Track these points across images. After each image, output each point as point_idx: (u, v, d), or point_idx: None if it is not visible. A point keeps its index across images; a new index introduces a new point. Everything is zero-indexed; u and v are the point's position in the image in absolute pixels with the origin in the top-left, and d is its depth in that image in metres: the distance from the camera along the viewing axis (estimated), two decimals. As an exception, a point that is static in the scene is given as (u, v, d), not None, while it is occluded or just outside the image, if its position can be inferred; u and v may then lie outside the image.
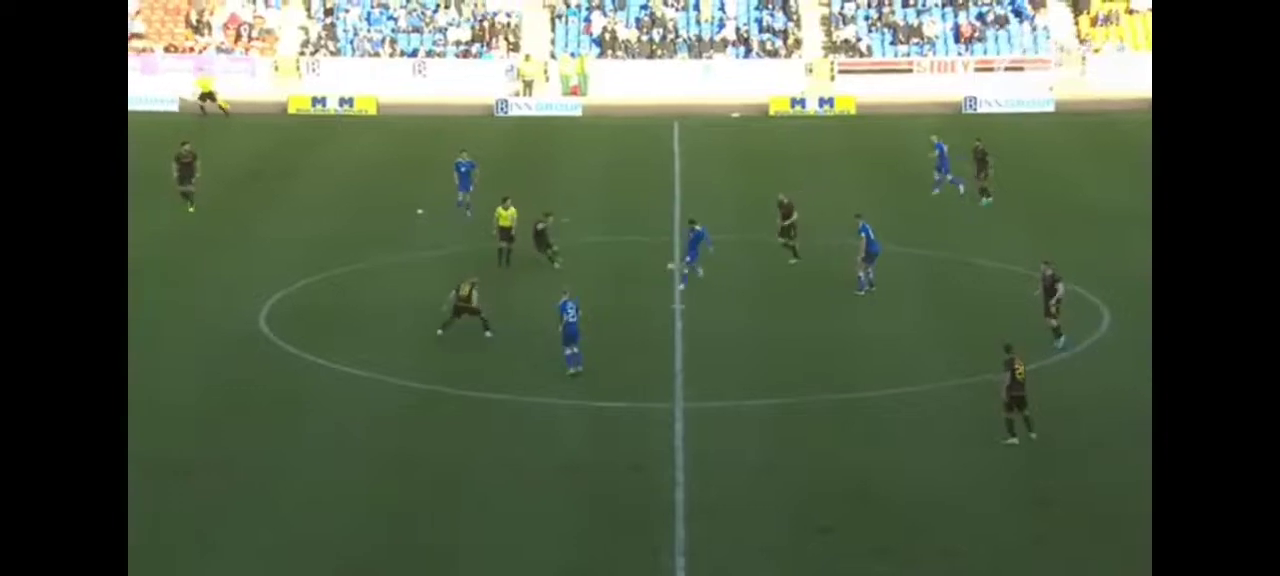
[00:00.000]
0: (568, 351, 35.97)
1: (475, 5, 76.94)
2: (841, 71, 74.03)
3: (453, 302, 38.38)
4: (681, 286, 42.55)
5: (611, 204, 53.13)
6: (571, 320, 35.92)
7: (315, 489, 30.49)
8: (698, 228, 43.50)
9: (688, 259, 43.12)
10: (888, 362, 37.41)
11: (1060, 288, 38.11)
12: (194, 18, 75.99)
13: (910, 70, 74.20)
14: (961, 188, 52.55)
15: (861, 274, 42.67)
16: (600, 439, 33.09)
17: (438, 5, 76.95)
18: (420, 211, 51.11)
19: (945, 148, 53.57)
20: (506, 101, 71.23)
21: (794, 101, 71.17)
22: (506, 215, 45.14)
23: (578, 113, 70.87)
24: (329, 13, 76.59)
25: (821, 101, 71.28)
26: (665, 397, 35.08)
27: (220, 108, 68.48)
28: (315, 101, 71.07)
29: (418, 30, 76.17)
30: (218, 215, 50.55)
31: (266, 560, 27.65)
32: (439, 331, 38.33)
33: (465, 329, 38.66)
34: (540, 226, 44.46)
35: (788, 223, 45.21)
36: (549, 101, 72.27)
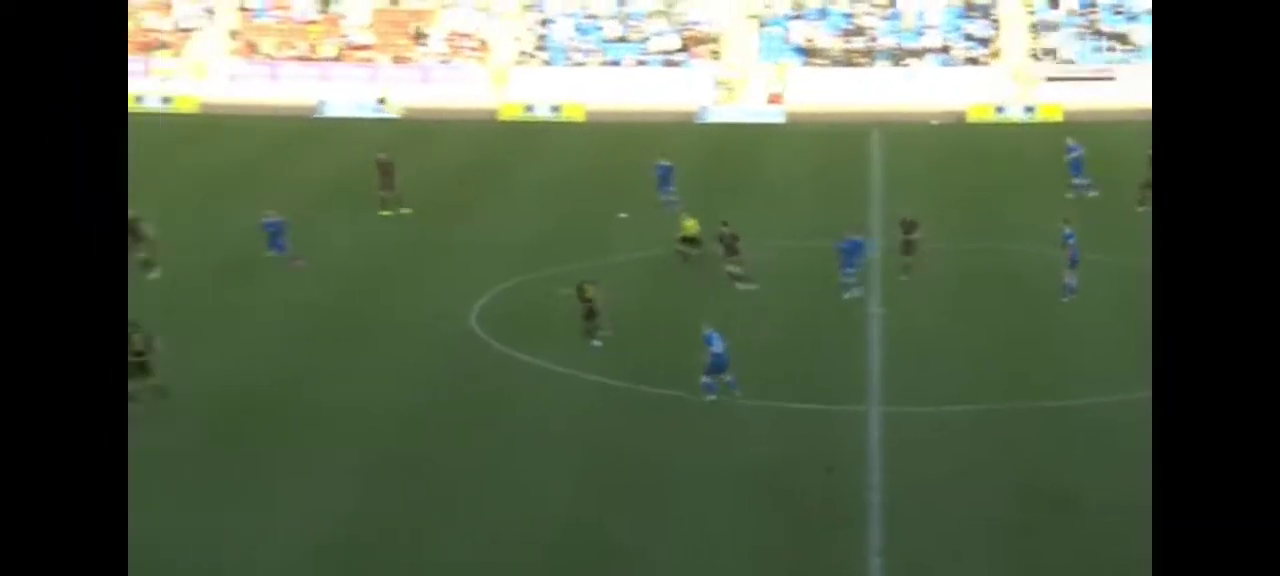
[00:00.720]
0: (705, 379, 35.27)
1: (680, 16, 77.98)
2: (1048, 79, 73.47)
3: (583, 305, 39.18)
4: (857, 293, 42.59)
5: (809, 209, 53.43)
6: (718, 350, 35.18)
7: (519, 483, 31.24)
8: (857, 237, 43.32)
9: (846, 270, 42.81)
10: (1087, 370, 37.25)
11: None
12: (415, 30, 78.39)
13: (1114, 78, 73.41)
14: (1091, 192, 52.35)
15: (1067, 280, 42.59)
16: (794, 440, 33.35)
17: (645, 15, 78.14)
18: (623, 215, 52.17)
19: (1081, 151, 53.40)
20: (708, 109, 72.00)
21: (997, 109, 70.88)
22: (691, 225, 46.38)
23: (779, 120, 71.36)
24: (542, 24, 78.35)
25: (1025, 109, 70.89)
26: (860, 401, 35.29)
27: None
28: (526, 108, 72.64)
29: (624, 39, 77.39)
30: (431, 219, 51.86)
31: (474, 552, 28.51)
32: (596, 343, 38.86)
33: (650, 329, 39.43)
34: (724, 233, 44.46)
35: (910, 238, 44.94)
36: (751, 108, 72.93)
